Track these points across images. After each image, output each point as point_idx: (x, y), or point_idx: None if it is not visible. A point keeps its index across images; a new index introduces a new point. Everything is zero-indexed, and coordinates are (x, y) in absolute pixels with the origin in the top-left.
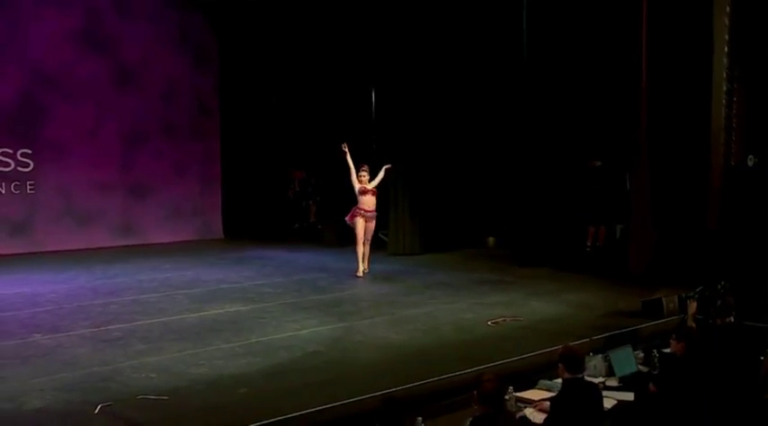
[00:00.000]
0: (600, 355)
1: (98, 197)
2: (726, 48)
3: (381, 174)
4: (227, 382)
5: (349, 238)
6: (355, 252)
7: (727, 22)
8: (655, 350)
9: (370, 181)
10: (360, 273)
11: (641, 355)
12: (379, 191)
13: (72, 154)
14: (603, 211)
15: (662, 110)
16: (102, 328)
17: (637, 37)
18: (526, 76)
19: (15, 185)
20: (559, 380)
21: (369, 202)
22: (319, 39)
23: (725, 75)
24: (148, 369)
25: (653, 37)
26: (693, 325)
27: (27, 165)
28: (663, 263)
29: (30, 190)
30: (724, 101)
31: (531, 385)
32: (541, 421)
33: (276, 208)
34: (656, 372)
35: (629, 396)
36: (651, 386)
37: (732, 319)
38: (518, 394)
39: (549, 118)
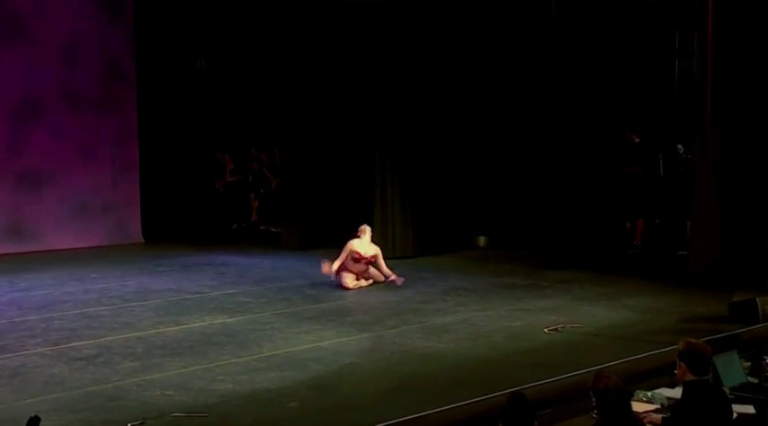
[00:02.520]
0: None
1: None
2: None
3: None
4: (266, 397)
5: (314, 241)
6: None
7: None
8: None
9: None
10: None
11: (747, 364)
12: (363, 181)
13: None
14: (643, 200)
15: (727, 97)
16: (65, 346)
17: (703, 23)
18: (547, 52)
19: None
20: (661, 391)
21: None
22: None
23: None
24: (160, 387)
25: (719, 22)
26: None
27: None
28: (728, 262)
29: None
30: None
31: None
32: None
33: (208, 204)
34: None
35: (749, 409)
36: None
37: None
38: None
39: (568, 91)
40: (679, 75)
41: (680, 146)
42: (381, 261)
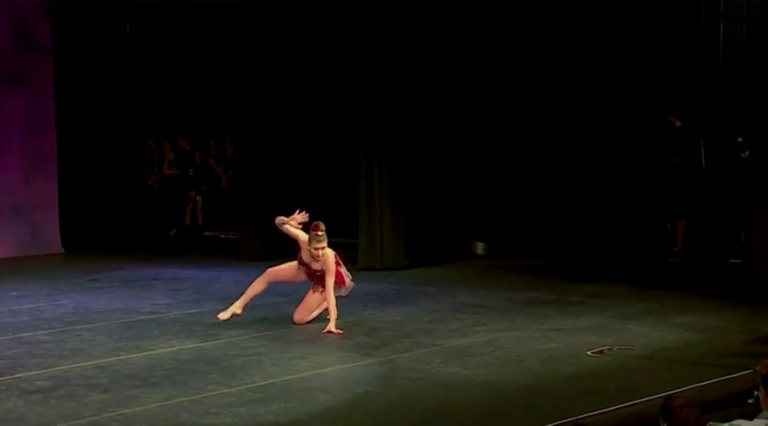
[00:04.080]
0: None
1: None
2: None
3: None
4: None
5: (281, 250)
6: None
7: None
8: None
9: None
10: (223, 315)
11: None
12: (344, 175)
13: None
14: (685, 197)
15: None
16: (10, 377)
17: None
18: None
19: None
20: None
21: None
22: None
23: None
24: (145, 422)
25: None
26: None
27: None
28: None
29: None
30: None
31: None
32: None
33: (140, 205)
34: None
35: None
36: None
37: None
38: None
39: (591, 66)
40: (725, 42)
41: (740, 139)
42: (330, 289)
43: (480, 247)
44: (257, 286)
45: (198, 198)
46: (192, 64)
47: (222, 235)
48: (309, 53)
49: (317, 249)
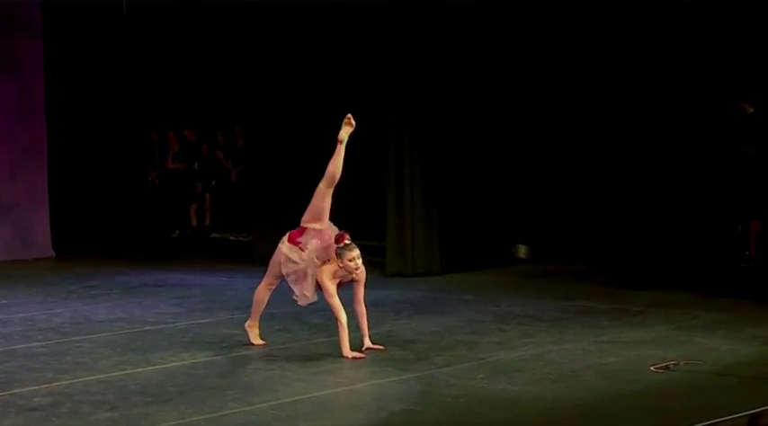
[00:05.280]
0: None
1: None
2: None
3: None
4: None
5: None
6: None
7: None
8: None
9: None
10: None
11: None
12: (370, 170)
13: None
14: (760, 195)
15: None
16: (5, 392)
17: None
18: None
19: None
20: None
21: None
22: None
23: None
24: None
25: None
26: None
27: None
28: None
29: None
30: None
31: None
32: None
33: (139, 203)
34: None
35: None
36: None
37: None
38: None
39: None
40: None
41: None
42: (361, 299)
43: (522, 250)
44: (261, 293)
45: (206, 195)
46: (199, 45)
47: (232, 237)
48: (333, 36)
49: (351, 260)
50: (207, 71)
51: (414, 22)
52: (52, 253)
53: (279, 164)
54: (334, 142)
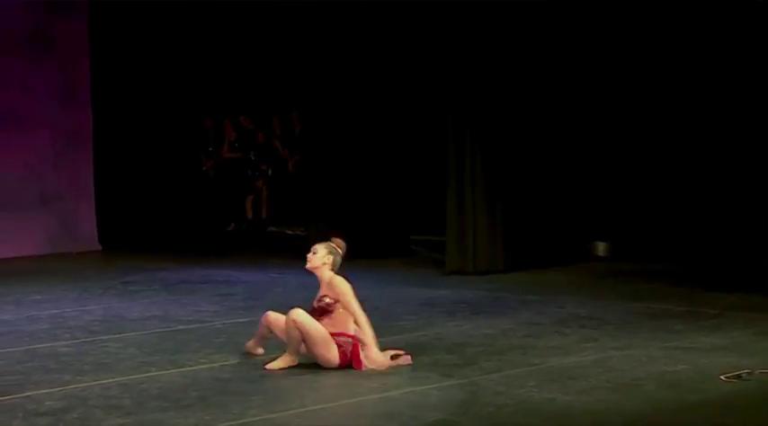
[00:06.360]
0: None
1: None
2: None
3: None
4: None
5: (359, 249)
6: None
7: None
8: None
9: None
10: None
11: None
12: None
13: None
14: None
15: None
16: (16, 396)
17: None
18: None
19: None
20: None
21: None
22: None
23: None
24: None
25: None
26: None
27: None
28: None
29: None
30: None
31: None
32: None
33: (192, 195)
34: None
35: None
36: None
37: None
38: None
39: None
40: None
41: None
42: (355, 311)
43: (601, 247)
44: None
45: (262, 186)
46: (258, 26)
47: (289, 231)
48: (395, 21)
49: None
50: (264, 53)
51: (475, 13)
52: (98, 247)
53: (335, 154)
54: (390, 133)
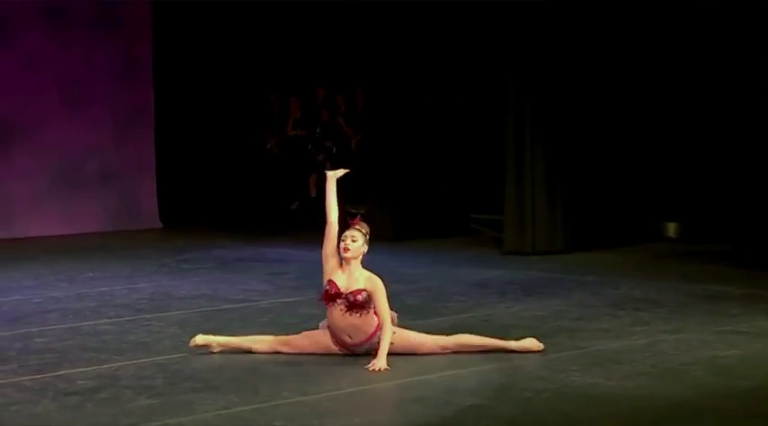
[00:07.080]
0: None
1: None
2: None
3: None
4: None
5: (415, 229)
6: None
7: None
8: None
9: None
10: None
11: None
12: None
13: None
14: None
15: None
16: (50, 374)
17: None
18: None
19: None
20: None
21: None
22: None
23: None
24: None
25: None
26: None
27: None
28: None
29: None
30: None
31: None
32: None
33: (256, 172)
34: None
35: None
36: None
37: None
38: None
39: None
40: None
41: None
42: (383, 310)
43: (672, 228)
44: (258, 344)
45: (326, 164)
46: (322, 3)
47: (352, 210)
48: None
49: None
50: (327, 31)
51: None
52: (159, 224)
53: (396, 132)
54: (454, 110)
